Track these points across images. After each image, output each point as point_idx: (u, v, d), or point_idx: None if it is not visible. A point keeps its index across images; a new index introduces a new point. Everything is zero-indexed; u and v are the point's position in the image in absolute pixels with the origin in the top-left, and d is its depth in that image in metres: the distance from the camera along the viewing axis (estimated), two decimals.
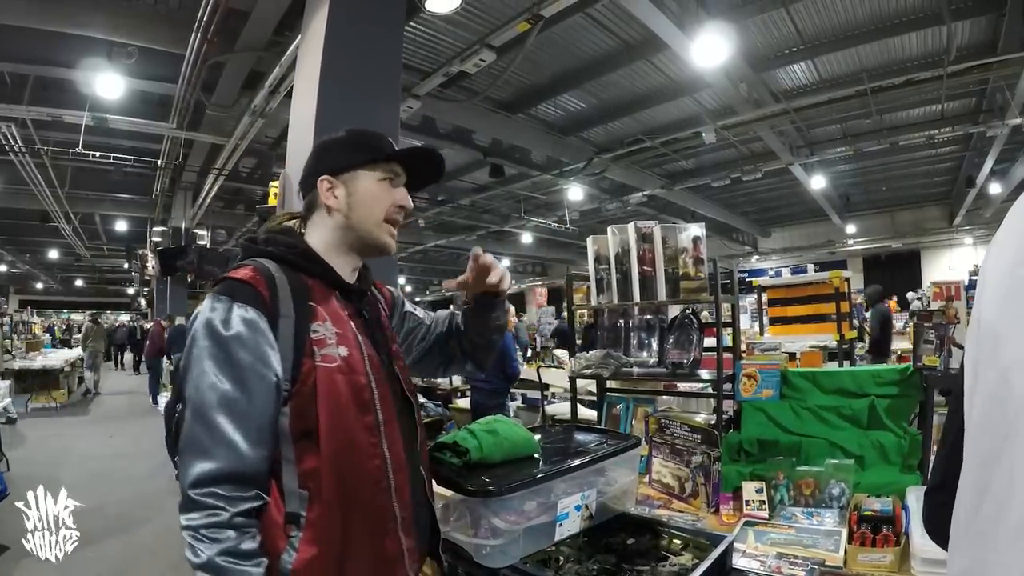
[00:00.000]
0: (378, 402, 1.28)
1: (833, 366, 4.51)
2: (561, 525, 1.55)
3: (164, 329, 12.56)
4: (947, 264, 18.75)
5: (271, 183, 4.80)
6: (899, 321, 12.09)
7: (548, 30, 6.60)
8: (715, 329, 2.57)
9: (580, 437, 1.74)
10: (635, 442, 1.62)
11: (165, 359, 12.22)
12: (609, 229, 2.81)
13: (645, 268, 2.68)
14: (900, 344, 7.20)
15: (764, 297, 5.52)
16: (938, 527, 0.77)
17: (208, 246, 14.82)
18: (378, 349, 1.37)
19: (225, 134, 9.44)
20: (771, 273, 7.09)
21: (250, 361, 1.14)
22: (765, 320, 5.61)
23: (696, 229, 2.62)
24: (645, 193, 13.73)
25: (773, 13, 7.10)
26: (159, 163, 11.11)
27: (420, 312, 1.69)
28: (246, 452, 1.10)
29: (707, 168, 13.10)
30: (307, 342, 1.21)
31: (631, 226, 2.74)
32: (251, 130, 8.78)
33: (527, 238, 19.23)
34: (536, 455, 1.56)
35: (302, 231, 1.43)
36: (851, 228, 18.72)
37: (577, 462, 1.47)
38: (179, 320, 12.48)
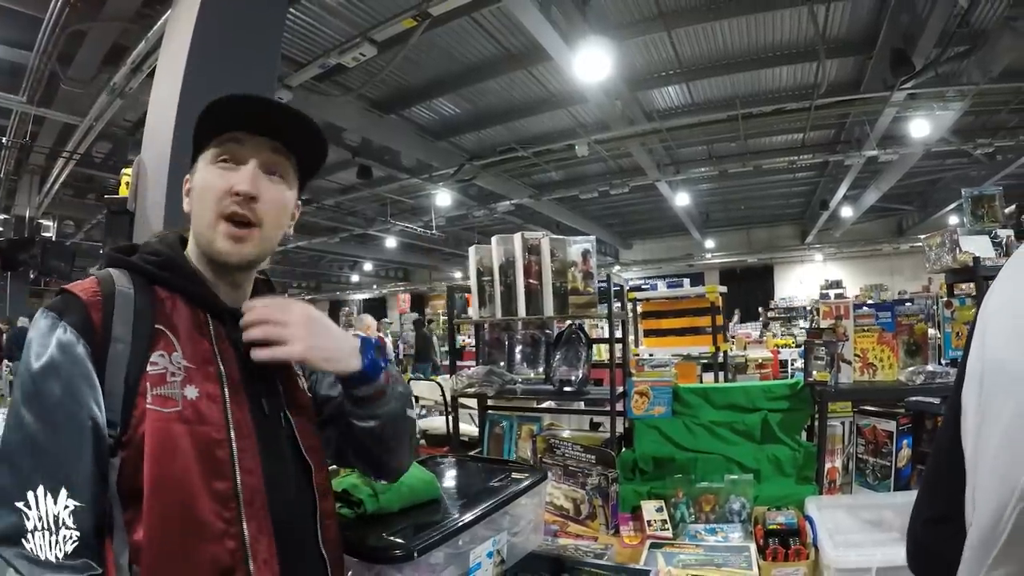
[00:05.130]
0: (239, 464, 0.97)
1: (709, 377, 4.68)
2: None
3: (2, 333, 11.12)
4: (798, 278, 20.51)
5: (123, 170, 4.30)
6: (755, 331, 12.89)
7: (431, 31, 6.44)
8: (608, 345, 2.50)
9: (477, 471, 1.58)
10: (542, 476, 1.48)
11: (4, 365, 10.82)
12: (493, 239, 2.64)
13: (531, 281, 2.55)
14: (759, 352, 7.55)
15: (639, 309, 5.60)
16: (946, 554, 0.74)
17: (54, 239, 13.27)
18: (259, 393, 1.05)
19: (80, 113, 8.50)
20: (645, 286, 7.26)
21: (58, 396, 0.89)
22: (640, 332, 5.70)
23: (586, 243, 2.53)
24: (513, 202, 13.82)
25: (655, 36, 7.33)
26: (4, 141, 9.83)
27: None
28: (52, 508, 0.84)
29: (576, 180, 13.35)
30: (143, 377, 0.94)
31: (517, 237, 2.59)
32: (108, 111, 7.98)
33: (391, 242, 18.81)
34: (437, 498, 1.36)
35: None
36: (709, 243, 19.87)
37: (489, 503, 1.28)
38: (21, 321, 11.05)
